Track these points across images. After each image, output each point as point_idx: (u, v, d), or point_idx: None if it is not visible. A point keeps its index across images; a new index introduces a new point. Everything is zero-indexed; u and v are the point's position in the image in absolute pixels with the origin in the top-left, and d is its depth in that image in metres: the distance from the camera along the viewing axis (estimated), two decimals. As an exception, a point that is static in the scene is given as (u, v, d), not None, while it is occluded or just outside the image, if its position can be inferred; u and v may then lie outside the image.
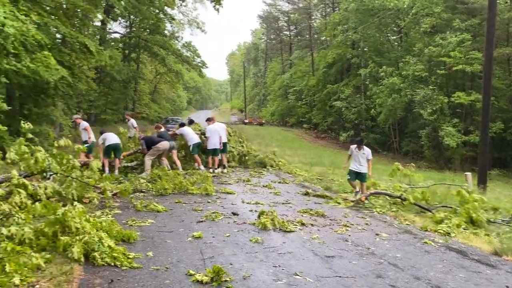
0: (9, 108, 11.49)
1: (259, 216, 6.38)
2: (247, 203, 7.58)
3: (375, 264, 4.68)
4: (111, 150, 10.41)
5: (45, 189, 6.57)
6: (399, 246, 5.49)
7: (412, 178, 9.69)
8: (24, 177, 8.31)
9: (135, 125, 14.30)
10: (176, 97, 71.53)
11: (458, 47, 24.28)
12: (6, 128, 10.17)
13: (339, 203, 8.20)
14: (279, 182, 10.57)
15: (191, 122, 13.49)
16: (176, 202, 7.35)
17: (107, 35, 29.41)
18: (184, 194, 8.19)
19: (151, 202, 7.03)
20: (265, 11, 62.09)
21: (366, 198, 8.20)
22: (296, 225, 6.17)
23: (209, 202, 7.50)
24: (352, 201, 8.26)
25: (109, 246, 4.37)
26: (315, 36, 49.57)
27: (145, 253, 4.59)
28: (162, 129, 12.02)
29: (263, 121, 49.41)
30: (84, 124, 11.70)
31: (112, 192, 7.48)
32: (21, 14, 10.52)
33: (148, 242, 5.02)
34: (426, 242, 5.71)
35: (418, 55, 26.92)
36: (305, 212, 7.11)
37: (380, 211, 7.72)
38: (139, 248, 4.75)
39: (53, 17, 14.25)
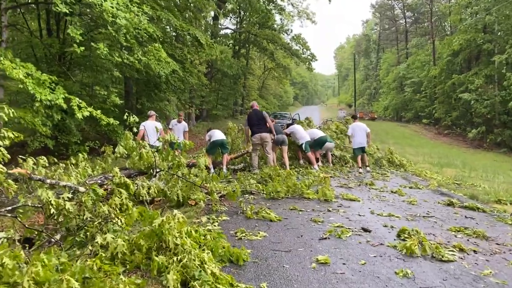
0: (121, 102, 11.52)
1: (398, 235, 4.95)
2: (378, 214, 6.12)
3: None
4: (217, 146, 9.86)
5: (149, 189, 5.92)
6: None
7: None
8: (134, 175, 7.94)
9: (187, 129, 11.46)
10: (283, 93, 71.60)
11: None
12: (118, 122, 10.10)
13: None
14: (410, 187, 8.84)
15: (289, 125, 12.33)
16: (291, 209, 6.19)
17: (219, 31, 29.68)
18: (299, 198, 7.02)
19: (263, 208, 5.98)
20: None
21: None
22: (453, 250, 4.58)
23: (330, 211, 6.20)
24: None
25: (213, 273, 3.35)
26: (437, 23, 44.72)
27: (257, 283, 3.49)
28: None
29: (375, 116, 46.32)
30: (159, 126, 9.79)
31: (219, 193, 6.63)
32: (134, 6, 10.34)
33: (261, 265, 3.93)
34: None
35: None
36: (459, 231, 5.42)
37: None
38: (250, 275, 3.67)
39: (165, 11, 14.20)
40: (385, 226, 5.49)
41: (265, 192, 7.01)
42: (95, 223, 4.83)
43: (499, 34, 29.72)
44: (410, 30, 53.56)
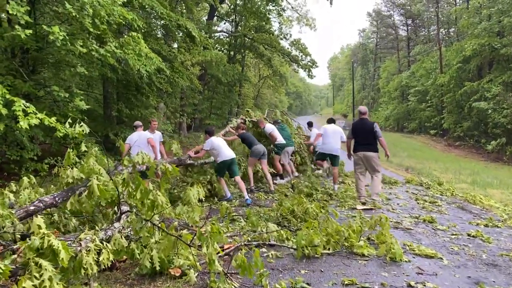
0: (88, 108, 8.98)
1: None
2: (495, 293, 3.59)
3: None
4: (226, 167, 7.62)
5: (98, 252, 3.34)
6: None
7: None
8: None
9: (162, 139, 9.11)
10: (278, 102, 69.49)
11: None
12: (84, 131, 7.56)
13: None
14: (485, 225, 6.33)
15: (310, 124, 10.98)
16: (346, 285, 3.64)
17: (212, 32, 27.24)
18: (347, 256, 4.46)
19: (299, 283, 3.45)
20: (378, 4, 56.48)
21: None
22: None
23: (412, 286, 3.66)
24: None
25: None
26: (442, 30, 42.61)
27: None
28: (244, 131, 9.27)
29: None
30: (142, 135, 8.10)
31: (224, 249, 4.08)
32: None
33: None
34: None
35: None
36: None
37: None
38: None
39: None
40: (534, 329, 2.96)
41: (294, 245, 4.45)
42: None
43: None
44: (412, 38, 51.54)
